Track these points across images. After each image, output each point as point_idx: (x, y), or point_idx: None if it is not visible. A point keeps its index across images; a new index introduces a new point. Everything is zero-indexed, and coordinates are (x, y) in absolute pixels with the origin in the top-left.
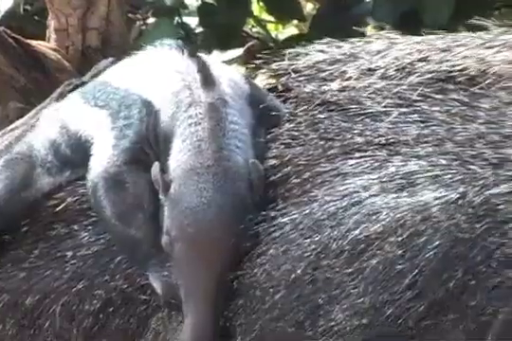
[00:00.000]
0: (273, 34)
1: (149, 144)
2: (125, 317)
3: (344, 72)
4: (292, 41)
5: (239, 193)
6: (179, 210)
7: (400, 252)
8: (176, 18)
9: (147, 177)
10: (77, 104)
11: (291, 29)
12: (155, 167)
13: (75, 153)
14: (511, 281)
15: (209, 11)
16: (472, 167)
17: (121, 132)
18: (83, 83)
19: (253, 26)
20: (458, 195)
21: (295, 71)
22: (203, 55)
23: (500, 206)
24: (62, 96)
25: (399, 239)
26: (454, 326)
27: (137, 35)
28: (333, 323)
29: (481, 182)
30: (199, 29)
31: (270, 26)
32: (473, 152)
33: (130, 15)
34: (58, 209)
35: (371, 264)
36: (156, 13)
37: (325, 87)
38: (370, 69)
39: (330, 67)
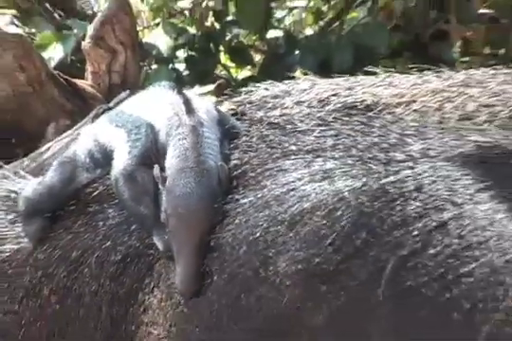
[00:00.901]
0: (234, 76)
1: (152, 152)
2: (138, 265)
3: (283, 103)
4: (247, 80)
5: (212, 185)
6: (172, 197)
7: (324, 222)
8: (170, 65)
9: (151, 174)
10: (104, 125)
11: (246, 72)
12: (156, 168)
13: (103, 158)
14: (396, 239)
15: (192, 60)
16: (370, 165)
17: (133, 143)
18: (109, 108)
19: (221, 70)
20: (361, 183)
21: (249, 102)
22: (187, 92)
23: (390, 190)
24: (95, 116)
25: (323, 213)
26: (360, 269)
27: (145, 76)
28: (279, 268)
29: (376, 175)
30: (186, 72)
31: (232, 70)
32: (370, 155)
33: (140, 63)
34: (93, 194)
35: (304, 230)
36: (157, 62)
37: (270, 113)
38: (299, 101)
39: (272, 100)
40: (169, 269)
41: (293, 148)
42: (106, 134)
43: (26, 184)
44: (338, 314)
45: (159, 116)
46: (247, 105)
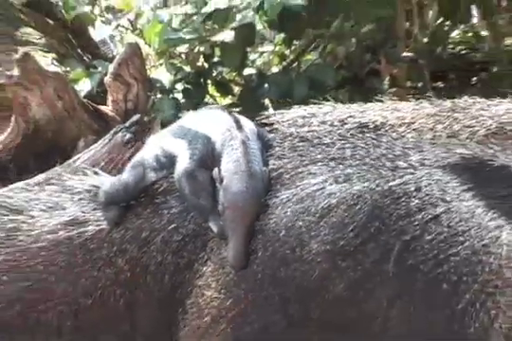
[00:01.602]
0: (219, 103)
1: (208, 158)
2: (195, 243)
3: (310, 122)
4: (228, 106)
5: (258, 185)
6: (229, 193)
7: (346, 214)
8: (171, 95)
9: (207, 174)
10: (168, 137)
11: (228, 100)
12: (215, 170)
13: (167, 161)
14: (401, 227)
15: (187, 91)
16: (380, 171)
17: (193, 151)
18: (125, 127)
19: (209, 99)
20: (374, 185)
21: (282, 121)
22: (235, 113)
23: (396, 190)
24: (114, 133)
25: (345, 207)
26: (373, 250)
27: (152, 103)
28: (311, 249)
29: (385, 178)
30: (182, 100)
31: (218, 99)
32: (380, 163)
33: (148, 93)
34: (159, 189)
35: (331, 220)
36: (161, 92)
37: (299, 129)
38: (323, 121)
39: (301, 120)
40: (220, 246)
41: (319, 156)
42: (170, 143)
43: (102, 180)
44: (355, 285)
45: (215, 131)
46: (282, 123)
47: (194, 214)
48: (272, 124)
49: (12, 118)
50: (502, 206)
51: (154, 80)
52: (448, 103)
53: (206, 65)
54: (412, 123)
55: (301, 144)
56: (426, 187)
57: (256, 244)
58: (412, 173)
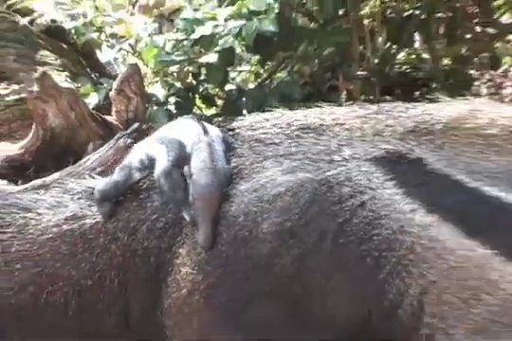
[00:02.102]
0: (205, 113)
1: (181, 159)
2: (174, 229)
3: (264, 126)
4: (213, 116)
5: (221, 179)
6: (196, 186)
7: (291, 200)
8: (165, 107)
9: (181, 173)
10: (150, 142)
11: (212, 111)
12: (186, 168)
13: (149, 163)
14: (334, 211)
15: (178, 104)
16: (319, 164)
17: (169, 153)
18: (127, 134)
19: (197, 110)
20: (313, 175)
21: (243, 126)
22: (203, 122)
23: (331, 180)
24: (117, 138)
25: (291, 194)
26: (313, 230)
27: (149, 114)
28: (263, 229)
29: (323, 170)
30: (175, 111)
31: (204, 110)
32: (319, 158)
33: (146, 105)
34: (143, 186)
35: (279, 205)
36: (156, 105)
37: (255, 132)
38: (274, 124)
39: (256, 124)
40: (193, 231)
41: (270, 154)
42: (151, 148)
43: (96, 182)
44: (299, 259)
45: (186, 136)
46: (242, 128)
47: (172, 206)
48: (234, 129)
49: (33, 126)
50: (416, 192)
51: (150, 94)
52: (374, 107)
53: (194, 82)
54: (344, 124)
55: (256, 144)
56: (355, 177)
57: (221, 228)
58: (345, 165)
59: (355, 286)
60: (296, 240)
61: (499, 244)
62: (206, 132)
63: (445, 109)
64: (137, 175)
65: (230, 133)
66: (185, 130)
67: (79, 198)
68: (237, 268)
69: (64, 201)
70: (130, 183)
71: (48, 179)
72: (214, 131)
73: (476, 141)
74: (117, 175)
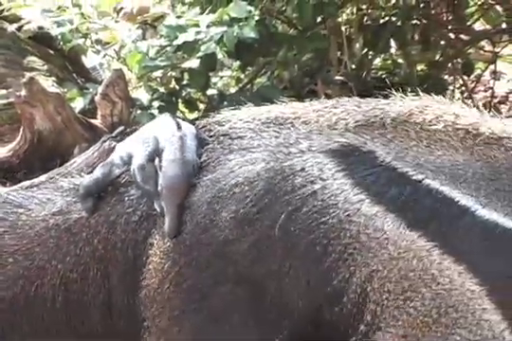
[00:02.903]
0: (188, 117)
1: (156, 153)
2: (148, 222)
3: (231, 120)
4: (195, 120)
5: (190, 170)
6: (165, 176)
7: (247, 188)
8: (149, 111)
9: (155, 166)
10: (129, 141)
11: (195, 115)
12: (157, 160)
13: (128, 159)
14: (287, 200)
15: (162, 108)
16: (277, 155)
17: (145, 148)
18: (112, 137)
19: (179, 114)
20: (270, 166)
21: (213, 122)
22: (178, 119)
23: (286, 170)
24: (102, 142)
25: (247, 183)
26: (267, 217)
27: (133, 118)
28: (222, 217)
29: (280, 161)
30: (158, 115)
31: (187, 114)
32: (278, 150)
33: (130, 109)
34: (122, 181)
35: (237, 193)
36: (140, 109)
37: (223, 127)
38: (240, 119)
39: (224, 120)
40: (162, 222)
41: (235, 147)
42: (129, 145)
43: (82, 179)
44: (254, 244)
45: (161, 132)
46: (213, 124)
47: (146, 199)
48: (206, 126)
49: (21, 130)
50: (364, 183)
51: (135, 98)
52: (331, 101)
53: (177, 87)
54: (302, 117)
55: (223, 138)
56: (308, 167)
57: (186, 217)
58: (301, 157)
59: (305, 273)
60: (251, 227)
61: (439, 237)
62: (179, 127)
63: (396, 104)
64: (117, 171)
65: (203, 129)
66: (160, 126)
67: (67, 195)
68: (199, 255)
69: (53, 198)
70: (110, 179)
71: (36, 181)
72: (188, 127)
73: (423, 136)
74: (98, 172)
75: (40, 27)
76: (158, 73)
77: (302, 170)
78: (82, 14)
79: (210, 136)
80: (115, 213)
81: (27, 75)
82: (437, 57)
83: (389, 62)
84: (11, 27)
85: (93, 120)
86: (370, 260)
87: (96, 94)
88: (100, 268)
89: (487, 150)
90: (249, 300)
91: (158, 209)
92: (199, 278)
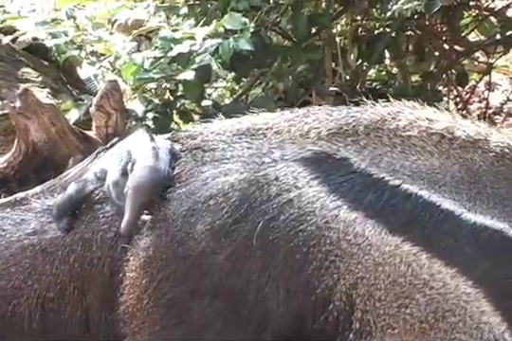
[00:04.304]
0: (182, 128)
1: (130, 165)
2: (123, 237)
3: (203, 134)
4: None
5: (159, 177)
6: (133, 178)
7: (222, 200)
8: (143, 122)
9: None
10: (105, 157)
11: (189, 126)
12: (129, 165)
13: (102, 175)
14: (263, 209)
15: (156, 119)
16: (250, 166)
17: (118, 163)
18: (106, 148)
19: (174, 125)
20: (244, 176)
21: (185, 136)
22: (151, 134)
23: (260, 180)
24: (97, 153)
25: (222, 195)
26: (243, 228)
27: (128, 129)
28: (197, 229)
29: (253, 171)
30: (153, 126)
31: (181, 125)
32: (251, 160)
33: (125, 121)
34: (96, 198)
35: (212, 205)
36: (135, 120)
37: (195, 141)
38: (212, 132)
39: (196, 133)
40: (139, 236)
41: (208, 159)
42: (104, 162)
43: (55, 199)
44: (232, 255)
45: (134, 146)
46: (186, 138)
47: (115, 210)
48: (179, 140)
49: (15, 141)
50: (340, 190)
51: (129, 110)
52: (302, 110)
53: (171, 98)
54: (274, 127)
55: (195, 151)
56: (283, 176)
57: (161, 231)
58: (274, 166)
59: (286, 283)
60: (228, 238)
61: (425, 241)
62: (152, 139)
63: (367, 111)
64: (90, 187)
65: (176, 143)
66: (134, 141)
67: (41, 216)
68: (177, 269)
69: (27, 218)
70: (83, 195)
71: (30, 192)
72: (162, 142)
73: (397, 141)
74: (71, 189)
75: (34, 39)
76: (153, 84)
77: (277, 179)
78: (77, 26)
79: (183, 150)
80: (90, 231)
81: (22, 86)
82: (431, 68)
83: (383, 73)
84: (6, 39)
85: (88, 132)
86: (354, 267)
87: (90, 105)
88: (76, 286)
89: (464, 153)
90: (229, 312)
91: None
92: (177, 293)
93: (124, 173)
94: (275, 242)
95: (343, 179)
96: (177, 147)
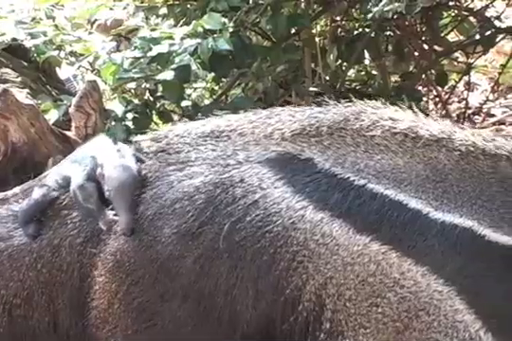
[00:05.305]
0: (161, 129)
1: (94, 171)
2: (93, 242)
3: (168, 136)
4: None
5: (131, 174)
6: (110, 180)
7: (188, 203)
8: (123, 122)
9: (94, 185)
10: (65, 163)
11: (169, 127)
12: (99, 169)
13: (64, 182)
14: (229, 211)
15: (136, 120)
16: (215, 168)
17: (83, 168)
18: None
19: (153, 126)
20: (209, 179)
21: (151, 139)
22: (117, 142)
23: (225, 182)
24: None
25: (187, 198)
26: (209, 230)
27: (107, 129)
28: (165, 233)
29: (218, 173)
30: (132, 127)
31: (161, 126)
32: (216, 163)
33: (104, 121)
34: (62, 204)
35: (178, 209)
36: (115, 120)
37: (160, 144)
38: (176, 134)
39: (162, 136)
40: (107, 240)
41: (172, 161)
42: (66, 168)
43: (20, 205)
44: (199, 258)
45: (98, 151)
46: (149, 141)
47: (90, 220)
48: (144, 143)
49: None
50: (305, 190)
51: (109, 110)
52: (265, 112)
53: (151, 99)
54: (238, 129)
55: (160, 154)
56: (247, 178)
57: (139, 209)
58: (239, 168)
59: (254, 284)
60: (195, 241)
61: (394, 240)
62: (116, 143)
63: (330, 111)
64: (53, 193)
65: (140, 147)
66: (96, 146)
67: (6, 222)
68: (145, 273)
69: None
70: (48, 200)
71: (10, 193)
72: (125, 147)
73: (360, 141)
74: (36, 194)
75: (14, 40)
76: (132, 85)
77: (242, 180)
78: (57, 26)
79: (148, 154)
80: (58, 236)
81: (1, 87)
82: (411, 68)
83: (363, 73)
84: None
85: (67, 132)
86: (322, 267)
87: (70, 105)
88: (44, 292)
89: (428, 152)
90: (199, 315)
91: (103, 227)
92: (147, 296)
93: (90, 178)
94: (242, 243)
95: (308, 179)
96: (141, 150)
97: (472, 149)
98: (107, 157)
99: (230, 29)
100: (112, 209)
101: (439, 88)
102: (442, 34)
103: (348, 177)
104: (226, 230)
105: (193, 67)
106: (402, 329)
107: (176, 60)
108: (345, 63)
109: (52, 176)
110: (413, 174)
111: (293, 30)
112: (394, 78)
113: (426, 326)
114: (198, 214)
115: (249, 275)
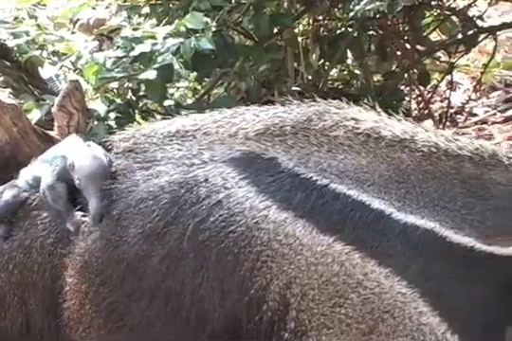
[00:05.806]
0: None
1: (65, 172)
2: (63, 242)
3: (135, 136)
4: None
5: (102, 164)
6: (80, 170)
7: (152, 202)
8: (105, 122)
9: (64, 186)
10: (36, 164)
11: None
12: (69, 162)
13: (35, 182)
14: (193, 211)
15: (119, 119)
16: (180, 168)
17: (53, 168)
18: None
19: (136, 125)
20: (174, 178)
21: (119, 140)
22: (89, 141)
23: (190, 182)
24: None
25: (152, 198)
26: (174, 230)
27: (89, 129)
28: (130, 233)
29: (183, 173)
30: (115, 126)
31: (144, 125)
32: (182, 162)
33: (87, 121)
34: (32, 205)
35: (143, 208)
36: (97, 120)
37: (128, 143)
38: (143, 134)
39: (129, 136)
40: (76, 241)
41: (139, 160)
42: (36, 168)
43: None
44: (165, 257)
45: (68, 150)
46: (117, 141)
47: (59, 221)
48: (112, 143)
49: None
50: (269, 189)
51: (91, 110)
52: (229, 111)
53: (133, 98)
54: (202, 129)
55: (128, 154)
56: (212, 177)
57: (95, 235)
58: (203, 167)
59: (220, 284)
60: (160, 241)
61: (357, 241)
62: (85, 141)
63: (293, 111)
64: (24, 194)
65: (108, 147)
66: (67, 145)
67: None
68: (113, 273)
69: None
70: (18, 201)
71: None
72: (96, 146)
73: (324, 141)
74: (7, 195)
75: None
76: (115, 84)
77: (206, 180)
78: (39, 26)
79: (116, 153)
80: (29, 237)
81: None
82: (393, 67)
83: (345, 72)
84: None
85: (50, 132)
86: (286, 267)
87: (52, 105)
88: (16, 293)
89: (391, 152)
90: (167, 314)
91: (71, 229)
92: (116, 296)
93: (60, 178)
94: (206, 243)
95: (272, 179)
96: (109, 150)
97: (435, 149)
98: (78, 154)
99: (213, 29)
100: (81, 210)
101: (421, 87)
102: (424, 34)
103: (311, 177)
104: (190, 230)
105: (176, 67)
106: (367, 331)
107: (159, 59)
108: (328, 63)
109: (23, 177)
110: (376, 175)
111: (275, 30)
112: (377, 77)
113: (391, 329)
114: (163, 214)
115: (215, 275)
